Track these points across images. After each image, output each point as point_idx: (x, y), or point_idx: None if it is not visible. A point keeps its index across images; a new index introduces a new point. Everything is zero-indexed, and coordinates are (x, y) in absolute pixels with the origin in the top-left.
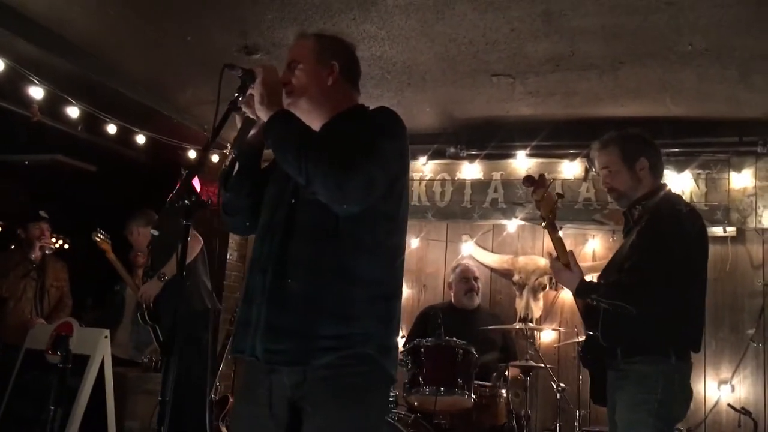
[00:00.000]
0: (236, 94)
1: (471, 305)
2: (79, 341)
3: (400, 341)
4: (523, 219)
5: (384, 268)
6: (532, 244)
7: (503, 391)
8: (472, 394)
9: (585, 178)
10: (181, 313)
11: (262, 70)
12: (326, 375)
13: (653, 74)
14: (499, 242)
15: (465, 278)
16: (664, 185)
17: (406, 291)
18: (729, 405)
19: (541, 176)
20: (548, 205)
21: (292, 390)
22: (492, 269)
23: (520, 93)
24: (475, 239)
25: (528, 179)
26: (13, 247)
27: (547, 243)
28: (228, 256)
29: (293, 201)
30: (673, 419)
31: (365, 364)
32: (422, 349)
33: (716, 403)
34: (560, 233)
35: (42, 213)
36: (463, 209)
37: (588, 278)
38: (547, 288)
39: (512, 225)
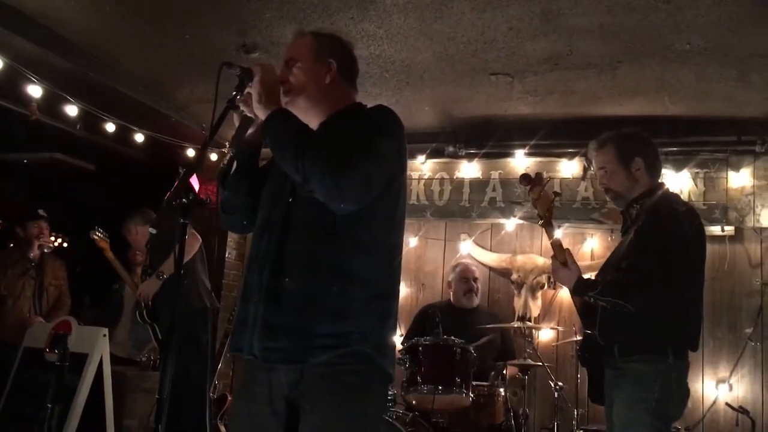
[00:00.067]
0: (234, 93)
1: (470, 305)
2: (77, 340)
3: (398, 340)
4: (521, 218)
5: (381, 267)
6: (530, 243)
7: (501, 389)
8: (470, 393)
9: (583, 177)
10: (179, 312)
11: (260, 68)
12: (324, 373)
13: (651, 73)
14: (498, 241)
15: (464, 278)
16: (662, 184)
17: (405, 290)
18: (727, 404)
19: (538, 174)
20: (545, 204)
21: (289, 388)
22: (490, 268)
23: (518, 92)
24: (473, 238)
25: (524, 178)
26: (11, 245)
27: (546, 242)
28: (226, 255)
29: (291, 199)
30: (670, 418)
31: (363, 363)
32: (420, 348)
33: (714, 402)
34: (557, 232)
35: (41, 211)
36: (462, 208)
37: (586, 276)
38: (546, 287)
39: (510, 224)
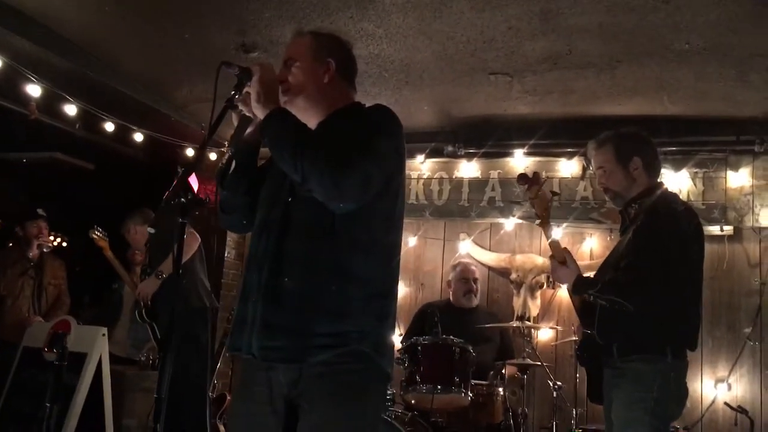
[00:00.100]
0: (233, 92)
1: (469, 305)
2: (76, 339)
3: (397, 339)
4: (520, 217)
5: (380, 266)
6: (529, 242)
7: (500, 389)
8: (469, 392)
9: (582, 177)
10: (178, 311)
11: (258, 68)
12: (322, 372)
13: (650, 73)
14: (497, 240)
15: (464, 279)
16: (661, 184)
17: (404, 289)
18: (726, 403)
19: (535, 174)
20: (542, 203)
21: (288, 387)
22: (489, 267)
23: (517, 91)
24: (472, 237)
25: (522, 177)
26: (11, 245)
27: (545, 241)
28: (226, 254)
29: (290, 199)
30: (669, 417)
31: (361, 362)
32: (419, 347)
33: (713, 402)
34: (557, 231)
35: (40, 211)
36: (461, 208)
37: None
38: (545, 286)
39: (510, 223)
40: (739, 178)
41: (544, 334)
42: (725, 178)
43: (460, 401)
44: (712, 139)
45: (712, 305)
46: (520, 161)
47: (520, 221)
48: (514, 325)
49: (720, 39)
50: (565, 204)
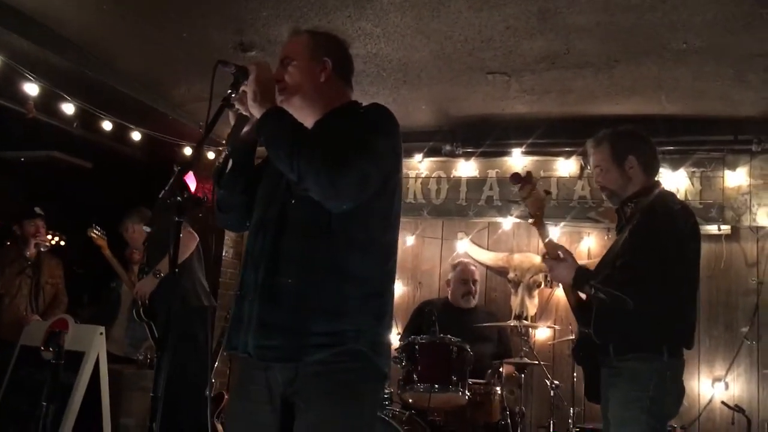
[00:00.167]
0: (229, 91)
1: (467, 306)
2: (74, 338)
3: (395, 336)
4: (518, 216)
5: (377, 265)
6: (527, 241)
7: (498, 388)
8: (467, 392)
9: (580, 176)
10: (175, 310)
11: (255, 67)
12: (319, 371)
13: (648, 72)
14: (495, 240)
15: (464, 280)
16: (658, 183)
17: (402, 288)
18: (723, 402)
19: (528, 173)
20: (536, 203)
21: (284, 386)
22: (487, 267)
23: (515, 91)
24: (470, 237)
25: (515, 177)
26: (8, 243)
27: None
28: (224, 253)
29: (286, 198)
30: (666, 416)
31: (358, 361)
32: (417, 346)
33: (710, 401)
34: (554, 230)
35: (37, 210)
36: (459, 207)
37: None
38: (542, 285)
39: (507, 222)
40: (736, 178)
41: (542, 333)
42: (723, 177)
43: (458, 400)
44: (709, 139)
45: (709, 304)
46: (518, 160)
47: (518, 220)
48: (512, 324)
49: (717, 39)
50: (562, 203)
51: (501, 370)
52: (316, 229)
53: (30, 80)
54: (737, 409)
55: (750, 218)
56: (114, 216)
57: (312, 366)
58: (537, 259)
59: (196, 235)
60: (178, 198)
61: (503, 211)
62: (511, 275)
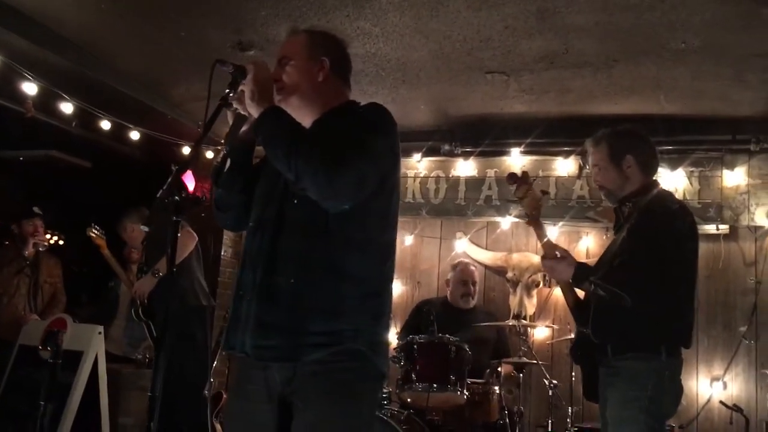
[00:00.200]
0: (227, 90)
1: (466, 306)
2: (72, 337)
3: (393, 335)
4: (516, 216)
5: (375, 265)
6: (525, 241)
7: (496, 387)
8: (465, 391)
9: (579, 176)
10: (173, 310)
11: (253, 66)
12: (316, 371)
13: (647, 72)
14: (493, 239)
15: (463, 281)
16: (656, 182)
17: (400, 288)
18: (721, 402)
19: (524, 173)
20: (532, 203)
21: (282, 386)
22: (486, 266)
23: (514, 90)
24: (469, 236)
25: (511, 177)
26: (6, 243)
27: None
28: (222, 253)
29: (284, 197)
30: (664, 416)
31: (356, 360)
32: (415, 346)
33: (708, 400)
34: (553, 230)
35: (36, 209)
36: (458, 206)
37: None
38: (541, 285)
39: (506, 222)
40: (734, 177)
41: (540, 333)
42: (721, 177)
43: (456, 400)
44: (708, 138)
45: (707, 304)
46: (516, 160)
47: (517, 220)
48: (510, 323)
49: (716, 38)
50: (561, 203)
51: (499, 369)
52: (314, 229)
53: (29, 79)
54: (735, 408)
55: (748, 218)
56: (113, 215)
57: (310, 365)
58: (536, 259)
59: (194, 234)
60: (176, 197)
61: (502, 211)
62: (509, 275)
